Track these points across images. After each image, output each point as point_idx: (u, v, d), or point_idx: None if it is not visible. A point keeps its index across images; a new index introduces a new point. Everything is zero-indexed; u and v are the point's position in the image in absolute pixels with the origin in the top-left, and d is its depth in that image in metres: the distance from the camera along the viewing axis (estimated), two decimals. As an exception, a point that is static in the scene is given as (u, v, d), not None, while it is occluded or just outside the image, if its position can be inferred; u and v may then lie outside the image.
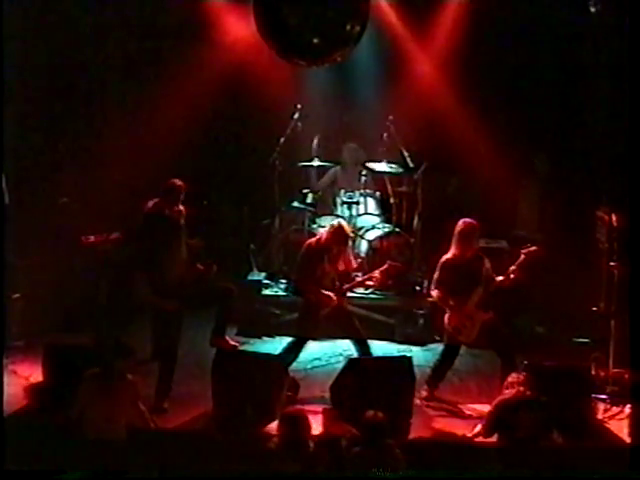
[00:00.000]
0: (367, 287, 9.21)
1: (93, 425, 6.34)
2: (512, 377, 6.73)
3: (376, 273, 8.16)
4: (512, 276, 7.74)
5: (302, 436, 5.79)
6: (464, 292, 7.78)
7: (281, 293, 9.99)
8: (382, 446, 5.75)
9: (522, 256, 7.74)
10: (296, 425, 5.81)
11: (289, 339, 8.34)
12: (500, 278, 7.80)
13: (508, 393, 6.54)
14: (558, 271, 9.22)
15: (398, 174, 10.26)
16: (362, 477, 5.64)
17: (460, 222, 7.85)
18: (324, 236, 8.14)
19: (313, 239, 8.32)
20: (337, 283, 8.08)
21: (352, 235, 8.78)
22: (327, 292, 7.98)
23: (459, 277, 7.77)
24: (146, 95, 10.56)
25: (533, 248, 7.76)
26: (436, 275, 7.92)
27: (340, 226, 8.15)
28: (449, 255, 7.87)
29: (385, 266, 8.14)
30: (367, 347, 8.19)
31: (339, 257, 8.09)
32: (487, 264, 7.87)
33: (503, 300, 8.11)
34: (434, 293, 7.99)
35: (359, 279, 8.39)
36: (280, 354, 8.07)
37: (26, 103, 9.49)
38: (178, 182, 7.99)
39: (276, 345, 8.73)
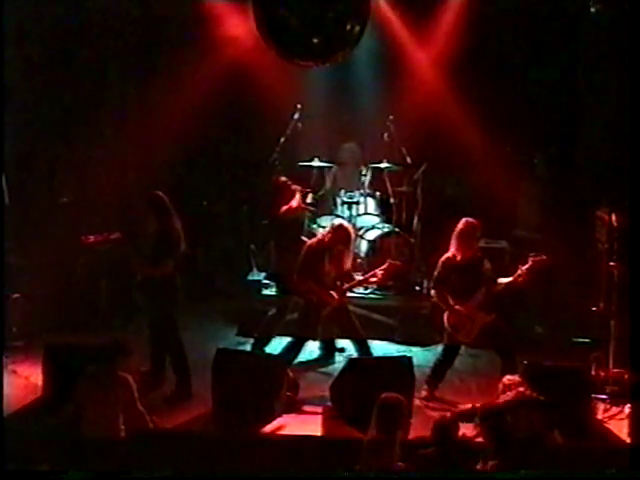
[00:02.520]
0: (367, 287, 9.22)
1: (91, 425, 6.33)
2: (508, 380, 6.65)
3: (377, 272, 8.16)
4: (517, 281, 7.67)
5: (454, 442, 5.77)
6: (464, 292, 7.77)
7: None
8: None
9: (530, 262, 7.64)
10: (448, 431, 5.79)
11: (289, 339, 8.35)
12: (503, 281, 7.76)
13: (508, 395, 6.51)
14: (558, 271, 9.20)
15: (398, 172, 10.28)
16: (362, 477, 5.63)
17: (460, 222, 7.85)
18: (326, 236, 8.15)
19: (314, 239, 8.32)
20: (337, 283, 8.09)
21: (354, 235, 8.78)
22: (329, 291, 7.99)
23: (459, 277, 7.77)
24: (146, 95, 10.57)
25: (542, 257, 7.66)
26: (436, 274, 7.92)
27: (342, 226, 8.16)
28: (449, 254, 7.86)
29: (385, 265, 8.14)
30: (367, 347, 8.19)
31: (340, 257, 8.09)
32: (487, 265, 7.84)
33: (503, 301, 8.09)
34: (433, 292, 7.99)
35: (359, 278, 8.40)
36: (280, 354, 8.08)
37: (26, 103, 9.48)
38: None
39: (276, 345, 8.73)
